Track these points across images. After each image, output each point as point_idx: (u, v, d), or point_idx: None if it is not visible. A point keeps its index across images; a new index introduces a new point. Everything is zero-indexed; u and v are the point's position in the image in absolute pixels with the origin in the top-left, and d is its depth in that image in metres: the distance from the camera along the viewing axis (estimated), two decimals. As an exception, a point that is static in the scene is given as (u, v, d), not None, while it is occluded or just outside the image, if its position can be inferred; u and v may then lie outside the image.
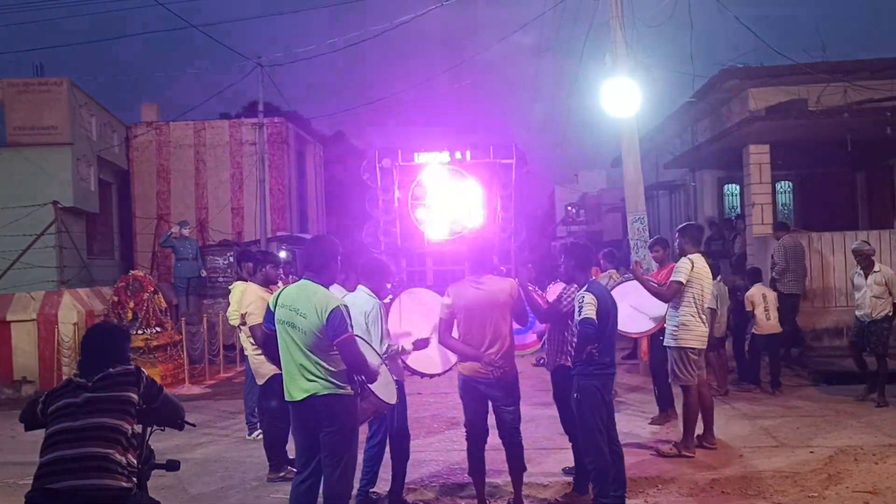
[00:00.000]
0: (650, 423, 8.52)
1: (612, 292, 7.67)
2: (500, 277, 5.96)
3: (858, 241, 9.72)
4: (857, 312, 9.33)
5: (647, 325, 7.94)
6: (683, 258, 7.27)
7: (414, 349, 6.01)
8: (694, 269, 7.17)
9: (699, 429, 7.51)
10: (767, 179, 14.29)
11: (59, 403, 3.65)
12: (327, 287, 4.87)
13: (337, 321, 4.60)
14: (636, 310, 7.74)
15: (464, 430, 5.90)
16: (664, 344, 7.46)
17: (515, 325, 6.12)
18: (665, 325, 7.49)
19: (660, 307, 7.57)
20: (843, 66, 14.34)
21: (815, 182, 17.15)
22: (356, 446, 4.96)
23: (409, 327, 6.25)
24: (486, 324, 5.64)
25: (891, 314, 9.13)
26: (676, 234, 7.57)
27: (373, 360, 5.06)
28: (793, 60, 13.70)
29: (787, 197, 17.51)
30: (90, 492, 3.43)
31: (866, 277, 9.15)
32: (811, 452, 7.20)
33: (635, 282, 7.66)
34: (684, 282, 7.13)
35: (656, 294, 7.32)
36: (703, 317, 7.27)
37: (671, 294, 7.20)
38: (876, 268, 9.20)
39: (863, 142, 13.92)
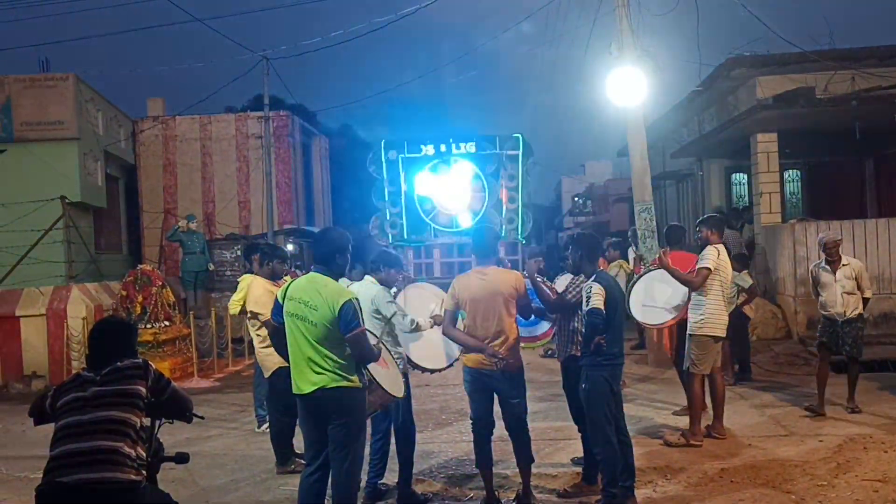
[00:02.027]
0: (674, 414, 8.49)
1: (639, 283, 7.73)
2: (506, 269, 5.96)
3: (825, 232, 8.84)
4: (826, 312, 8.24)
5: (667, 317, 7.91)
6: (709, 246, 7.28)
7: (434, 324, 6.05)
8: (720, 256, 7.22)
9: (709, 419, 7.51)
10: (775, 168, 14.24)
11: (68, 398, 3.67)
12: (337, 279, 4.87)
13: (349, 315, 4.59)
14: (659, 300, 7.73)
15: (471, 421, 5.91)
16: (688, 332, 7.43)
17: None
18: (687, 315, 7.47)
19: (677, 298, 7.55)
20: (851, 54, 14.26)
21: (823, 170, 17.08)
22: (364, 439, 4.97)
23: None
24: (490, 315, 5.64)
25: (862, 311, 8.23)
26: (699, 225, 7.59)
27: (383, 356, 5.09)
28: (800, 48, 13.63)
29: (795, 185, 17.44)
30: (100, 484, 3.44)
31: (834, 273, 8.13)
32: (820, 441, 7.19)
33: (652, 273, 7.66)
34: (713, 268, 7.14)
35: (685, 282, 7.28)
36: (726, 306, 7.35)
37: (701, 281, 7.17)
38: (844, 261, 8.20)
39: (871, 129, 13.85)
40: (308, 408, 4.77)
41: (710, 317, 7.20)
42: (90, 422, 3.55)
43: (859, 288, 8.13)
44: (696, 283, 7.20)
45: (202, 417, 4.36)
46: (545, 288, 6.24)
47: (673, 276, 7.30)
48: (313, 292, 4.71)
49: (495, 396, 5.79)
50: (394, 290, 6.27)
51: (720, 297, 7.22)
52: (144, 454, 3.69)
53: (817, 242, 8.47)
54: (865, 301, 8.22)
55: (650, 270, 8.01)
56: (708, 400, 7.61)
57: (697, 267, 7.27)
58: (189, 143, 21.48)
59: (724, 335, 7.38)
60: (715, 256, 7.18)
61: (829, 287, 8.16)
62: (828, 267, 8.19)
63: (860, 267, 8.25)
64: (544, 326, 6.94)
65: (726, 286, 7.36)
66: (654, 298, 7.76)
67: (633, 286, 7.91)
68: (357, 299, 4.72)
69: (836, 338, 8.18)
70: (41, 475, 3.58)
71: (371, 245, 14.70)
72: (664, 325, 8.30)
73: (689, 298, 7.40)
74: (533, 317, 6.37)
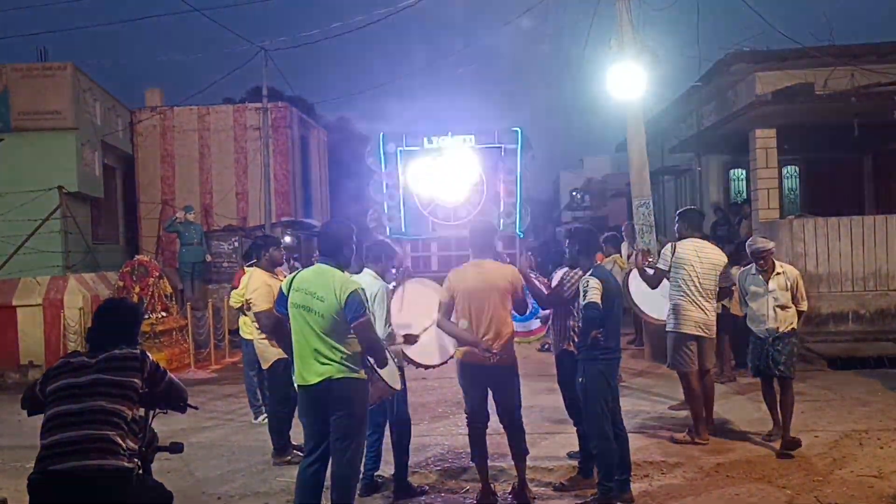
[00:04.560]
0: (669, 409, 8.50)
1: (631, 279, 7.75)
2: (502, 263, 5.95)
3: (755, 238, 7.50)
4: (756, 328, 7.10)
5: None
6: (667, 244, 7.36)
7: (404, 342, 5.97)
8: (676, 254, 7.20)
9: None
10: (774, 164, 14.23)
11: (60, 383, 3.64)
12: (343, 270, 4.88)
13: (355, 304, 4.62)
14: (661, 294, 7.75)
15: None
16: (666, 329, 7.45)
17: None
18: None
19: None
20: (851, 50, 14.25)
21: (821, 166, 17.09)
22: (366, 431, 4.99)
23: (411, 316, 6.24)
24: (484, 309, 5.63)
25: (796, 326, 7.08)
26: (676, 218, 7.59)
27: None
28: (800, 44, 13.60)
29: (794, 181, 17.45)
30: (93, 472, 3.44)
31: (766, 282, 6.97)
32: (816, 437, 7.20)
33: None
34: (665, 268, 7.21)
35: (646, 281, 7.41)
36: (700, 302, 7.13)
37: (655, 281, 7.31)
38: (778, 268, 7.02)
39: (870, 126, 13.83)
40: (312, 399, 4.76)
41: (675, 313, 7.21)
42: (81, 412, 3.54)
43: (794, 299, 7.01)
44: (651, 283, 7.36)
45: (196, 408, 4.36)
46: (537, 283, 6.23)
47: (640, 276, 7.46)
48: (321, 283, 4.72)
49: (489, 390, 5.79)
50: (392, 283, 6.26)
51: (684, 293, 7.13)
52: (136, 446, 3.68)
53: (747, 249, 7.25)
54: (801, 315, 7.09)
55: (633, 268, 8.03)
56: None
57: (655, 265, 7.41)
58: (187, 134, 21.41)
59: (697, 332, 7.16)
60: (668, 255, 7.24)
61: (758, 298, 7.03)
62: (759, 276, 7.05)
63: (797, 276, 7.09)
64: (538, 322, 6.94)
65: (704, 281, 7.13)
66: (655, 292, 7.77)
67: (626, 282, 7.95)
68: (363, 290, 4.74)
69: (767, 358, 6.97)
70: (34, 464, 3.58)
71: (369, 238, 14.70)
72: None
73: None
74: (527, 312, 6.36)
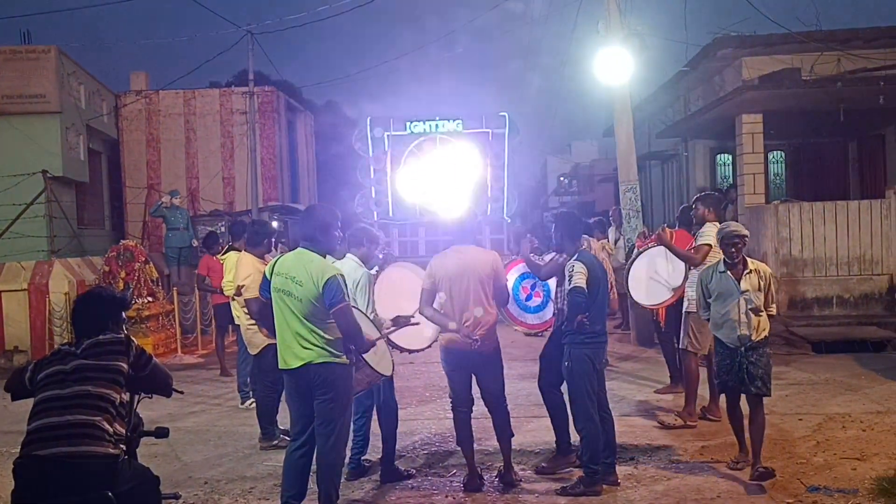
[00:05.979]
0: (655, 392, 8.54)
1: (638, 262, 7.74)
2: (483, 249, 5.95)
3: (728, 222, 6.47)
4: (724, 336, 5.89)
5: (665, 296, 7.90)
6: (708, 223, 7.19)
7: (393, 325, 5.83)
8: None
9: (704, 401, 7.51)
10: (760, 149, 14.30)
11: (49, 371, 3.65)
12: (324, 256, 4.86)
13: (333, 290, 4.62)
14: (654, 280, 7.73)
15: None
16: (684, 309, 7.42)
17: (536, 300, 6.10)
18: (685, 293, 7.41)
19: (675, 277, 7.55)
20: (837, 36, 14.31)
21: (807, 151, 17.18)
22: (350, 415, 5.01)
23: (394, 301, 6.21)
24: (465, 295, 5.63)
25: (768, 334, 5.94)
26: (696, 201, 7.51)
27: (371, 332, 5.08)
28: (787, 29, 13.66)
29: (779, 167, 17.54)
30: (77, 458, 3.43)
31: (738, 281, 5.81)
32: (800, 420, 7.27)
33: (648, 253, 7.67)
34: (713, 244, 6.94)
35: (686, 259, 7.25)
36: None
37: (702, 258, 7.05)
38: (750, 265, 5.90)
39: (855, 111, 13.92)
40: (295, 383, 4.78)
41: None
42: (68, 396, 3.54)
43: (764, 302, 5.89)
44: (696, 259, 7.13)
45: (182, 392, 4.36)
46: (537, 263, 6.25)
47: (674, 252, 7.30)
48: (300, 268, 4.72)
49: (473, 374, 5.81)
50: (374, 269, 6.25)
51: None
52: (123, 430, 3.67)
53: (716, 235, 6.22)
54: (771, 319, 6.01)
55: (648, 248, 7.99)
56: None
57: (697, 243, 7.23)
58: (173, 119, 21.30)
59: None
60: (714, 233, 6.97)
61: (728, 301, 5.84)
62: (728, 273, 5.88)
63: (770, 275, 5.99)
64: (552, 311, 6.89)
65: None
66: (653, 276, 7.76)
67: (631, 266, 7.92)
68: (342, 275, 4.72)
69: (741, 371, 5.79)
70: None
71: (355, 223, 14.67)
72: (663, 304, 8.28)
73: (686, 276, 7.40)
74: (539, 301, 6.35)
